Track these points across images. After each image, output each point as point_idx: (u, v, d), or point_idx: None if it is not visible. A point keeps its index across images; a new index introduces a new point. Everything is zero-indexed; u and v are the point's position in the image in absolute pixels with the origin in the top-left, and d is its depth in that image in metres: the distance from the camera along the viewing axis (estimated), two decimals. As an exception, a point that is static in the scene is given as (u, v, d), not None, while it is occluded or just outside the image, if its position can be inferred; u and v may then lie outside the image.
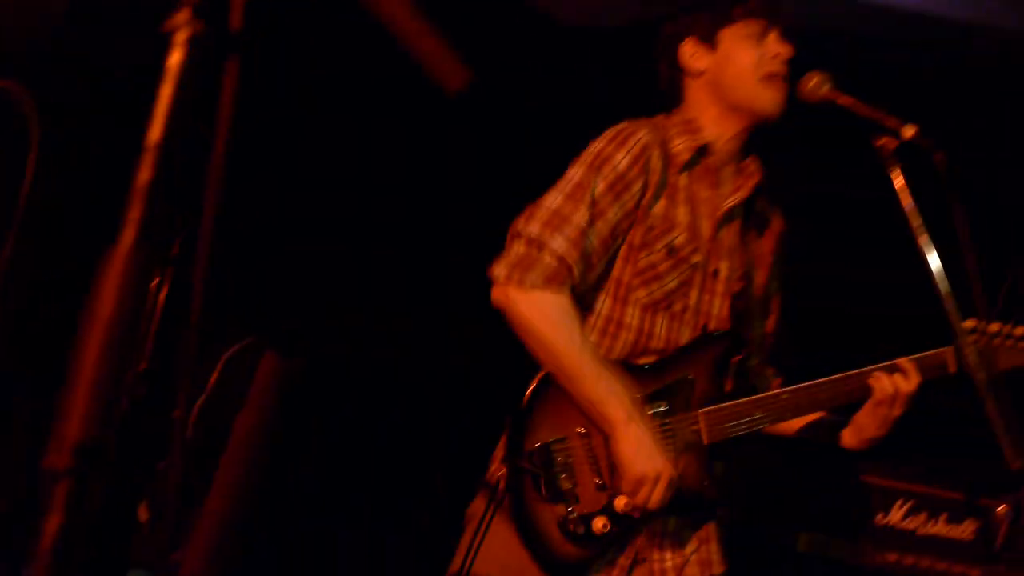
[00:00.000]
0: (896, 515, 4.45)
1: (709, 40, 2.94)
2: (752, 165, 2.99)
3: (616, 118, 2.92)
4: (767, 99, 2.87)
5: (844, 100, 2.72)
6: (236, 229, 4.83)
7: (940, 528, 4.44)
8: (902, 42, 5.24)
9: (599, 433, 2.71)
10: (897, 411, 2.79)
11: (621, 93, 3.18)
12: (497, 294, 2.75)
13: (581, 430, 2.71)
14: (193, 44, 0.84)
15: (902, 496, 4.45)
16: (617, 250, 2.83)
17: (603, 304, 2.85)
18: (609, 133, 2.86)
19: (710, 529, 2.90)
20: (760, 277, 3.08)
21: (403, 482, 4.96)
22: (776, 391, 2.91)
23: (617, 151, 2.81)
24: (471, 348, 5.04)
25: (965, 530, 4.43)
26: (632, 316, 2.83)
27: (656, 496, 2.67)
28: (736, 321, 2.94)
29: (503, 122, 5.11)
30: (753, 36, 2.90)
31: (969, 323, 2.83)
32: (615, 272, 2.84)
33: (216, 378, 4.01)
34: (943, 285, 2.57)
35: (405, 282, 5.08)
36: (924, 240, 2.60)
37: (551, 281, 2.70)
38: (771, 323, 3.16)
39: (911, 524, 4.45)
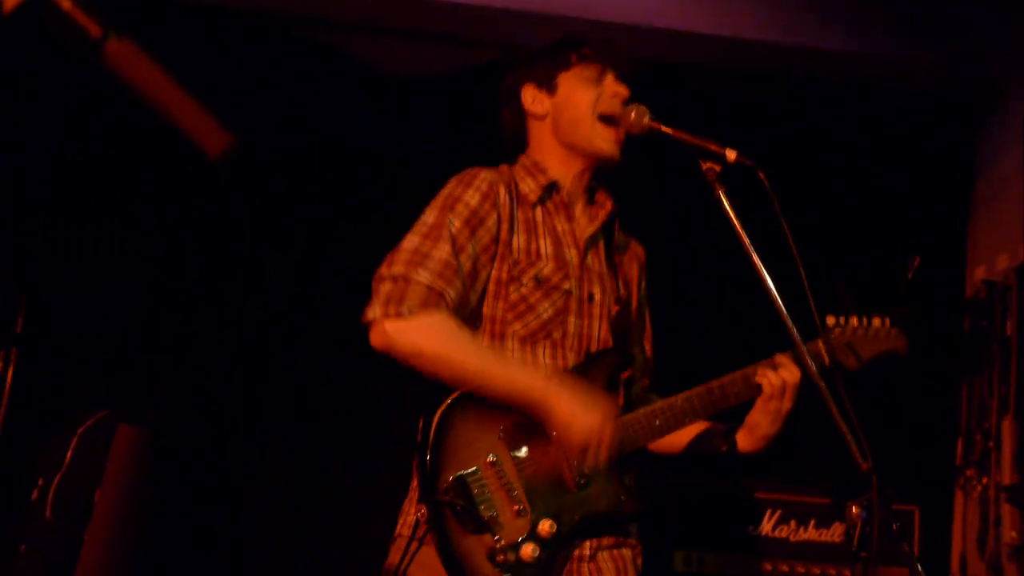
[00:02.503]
0: (767, 525, 4.53)
1: (548, 85, 3.00)
2: (602, 196, 3.06)
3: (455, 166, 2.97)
4: (603, 139, 2.93)
5: (666, 129, 2.78)
6: (82, 306, 4.76)
7: (811, 533, 4.54)
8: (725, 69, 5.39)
9: (509, 459, 2.69)
10: (787, 404, 2.85)
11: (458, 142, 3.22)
12: (376, 334, 2.71)
13: (491, 458, 2.69)
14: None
15: (771, 506, 4.54)
16: (484, 288, 2.84)
17: (484, 343, 2.85)
18: (455, 178, 2.90)
19: (626, 558, 2.87)
20: (633, 301, 3.13)
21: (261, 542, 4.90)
22: (669, 399, 2.91)
23: (466, 190, 2.85)
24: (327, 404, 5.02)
25: (834, 533, 4.54)
26: (512, 350, 2.83)
27: (603, 452, 2.69)
28: (618, 343, 2.97)
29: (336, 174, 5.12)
30: (590, 79, 2.97)
31: (830, 319, 2.94)
32: (487, 310, 2.85)
33: (72, 453, 3.92)
34: (777, 298, 2.64)
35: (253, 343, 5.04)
36: (755, 255, 2.66)
37: (426, 305, 2.69)
38: (648, 345, 3.23)
39: (783, 532, 4.54)
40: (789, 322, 2.65)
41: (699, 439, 3.08)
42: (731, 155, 2.69)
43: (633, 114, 2.82)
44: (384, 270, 2.75)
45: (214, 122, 0.90)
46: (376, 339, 2.71)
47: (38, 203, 4.74)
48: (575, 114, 2.96)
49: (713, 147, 2.71)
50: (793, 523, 4.55)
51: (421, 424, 2.71)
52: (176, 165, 4.89)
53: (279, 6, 4.92)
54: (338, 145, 5.12)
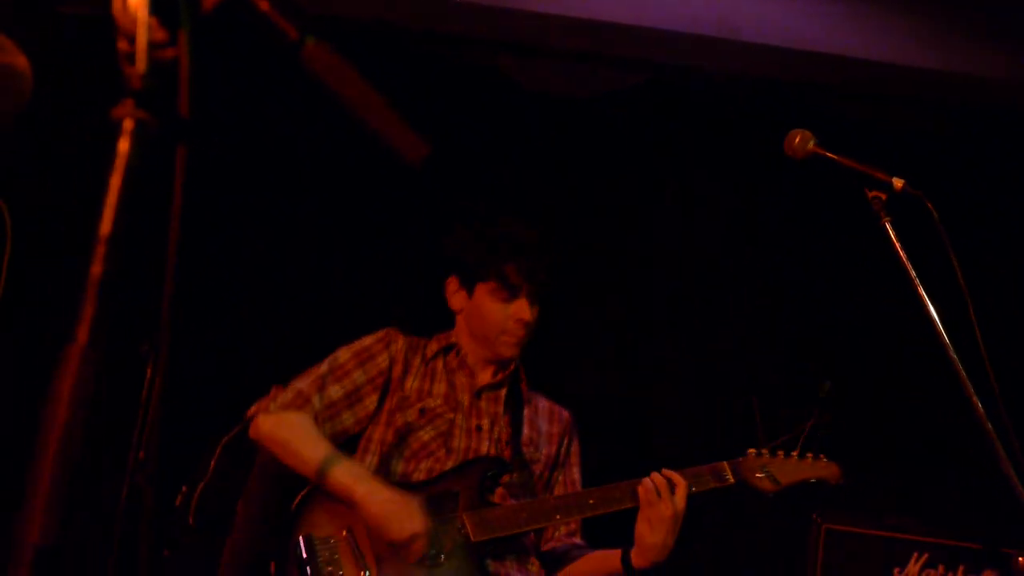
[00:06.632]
0: (913, 568, 4.37)
1: (468, 286, 3.29)
2: (506, 374, 3.31)
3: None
4: (504, 350, 3.24)
5: (831, 156, 2.70)
6: (226, 317, 4.82)
7: (960, 580, 4.36)
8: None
9: (364, 533, 2.93)
10: (666, 510, 2.91)
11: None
12: (251, 427, 3.14)
13: (346, 532, 2.94)
14: (139, 133, 0.83)
15: (917, 548, 4.37)
16: (374, 416, 3.17)
17: (372, 463, 3.15)
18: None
19: None
20: (548, 451, 3.32)
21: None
22: (543, 497, 3.17)
23: (368, 337, 3.27)
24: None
25: (985, 581, 4.35)
26: (397, 466, 3.12)
27: (416, 548, 2.87)
28: (511, 459, 3.17)
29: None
30: (503, 298, 3.21)
31: (750, 451, 3.09)
32: (377, 435, 3.16)
33: (215, 463, 3.96)
34: (943, 330, 2.54)
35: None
36: (920, 288, 2.56)
37: (290, 406, 3.11)
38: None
39: (929, 576, 4.38)
40: (954, 357, 2.54)
41: (599, 565, 3.14)
42: (898, 184, 2.62)
43: (798, 139, 2.75)
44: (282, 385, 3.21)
45: (411, 131, 0.88)
46: (251, 431, 3.16)
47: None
48: (482, 322, 3.24)
49: (880, 175, 2.62)
50: (941, 568, 4.38)
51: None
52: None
53: (441, 25, 4.95)
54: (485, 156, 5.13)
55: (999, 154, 5.32)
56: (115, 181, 0.82)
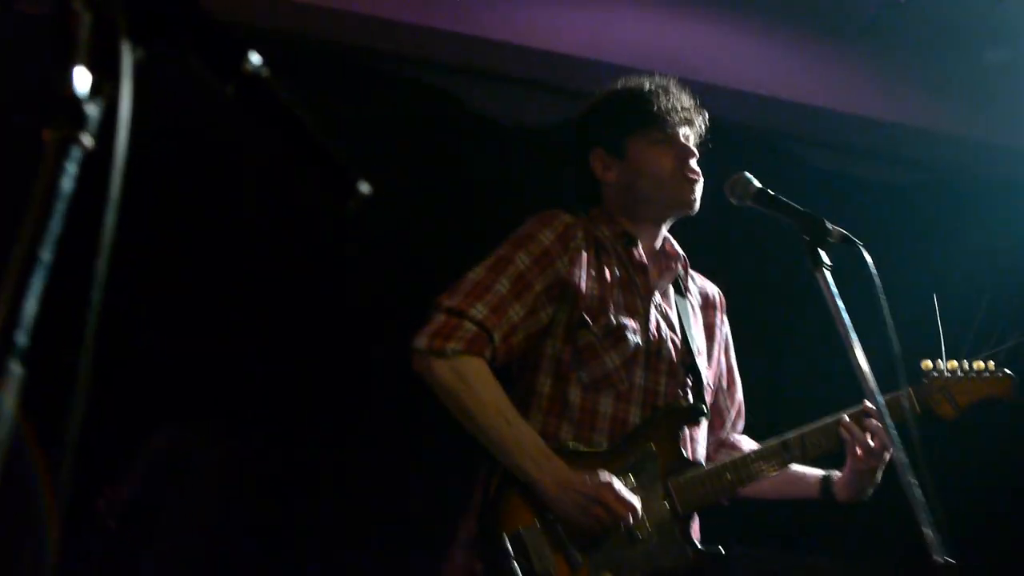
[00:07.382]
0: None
1: (616, 150, 3.01)
2: (671, 246, 3.06)
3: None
4: (687, 198, 2.95)
5: (771, 200, 2.72)
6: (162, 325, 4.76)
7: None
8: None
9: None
10: (884, 459, 2.83)
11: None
12: (417, 363, 2.75)
13: (551, 515, 2.69)
14: (67, 150, 0.82)
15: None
16: (548, 328, 2.84)
17: (544, 384, 2.85)
18: (535, 217, 2.94)
19: None
20: (710, 349, 3.10)
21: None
22: (744, 453, 2.91)
23: (542, 229, 2.88)
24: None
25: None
26: (575, 395, 2.82)
27: (618, 507, 2.66)
28: (687, 396, 2.93)
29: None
30: (659, 141, 2.98)
31: (925, 364, 2.94)
32: (551, 351, 2.85)
33: (140, 466, 3.94)
34: (870, 378, 2.54)
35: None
36: (851, 336, 2.57)
37: (470, 347, 2.72)
38: (733, 389, 3.20)
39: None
40: (868, 378, 2.53)
41: (793, 485, 3.04)
42: (836, 232, 2.63)
43: (738, 183, 2.76)
44: (443, 299, 2.79)
45: (349, 173, 0.88)
46: (416, 366, 2.76)
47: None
48: (646, 175, 2.96)
49: (817, 224, 2.64)
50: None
51: (484, 477, 2.76)
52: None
53: (386, 47, 4.95)
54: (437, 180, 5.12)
55: (946, 208, 5.40)
56: (41, 198, 0.81)
